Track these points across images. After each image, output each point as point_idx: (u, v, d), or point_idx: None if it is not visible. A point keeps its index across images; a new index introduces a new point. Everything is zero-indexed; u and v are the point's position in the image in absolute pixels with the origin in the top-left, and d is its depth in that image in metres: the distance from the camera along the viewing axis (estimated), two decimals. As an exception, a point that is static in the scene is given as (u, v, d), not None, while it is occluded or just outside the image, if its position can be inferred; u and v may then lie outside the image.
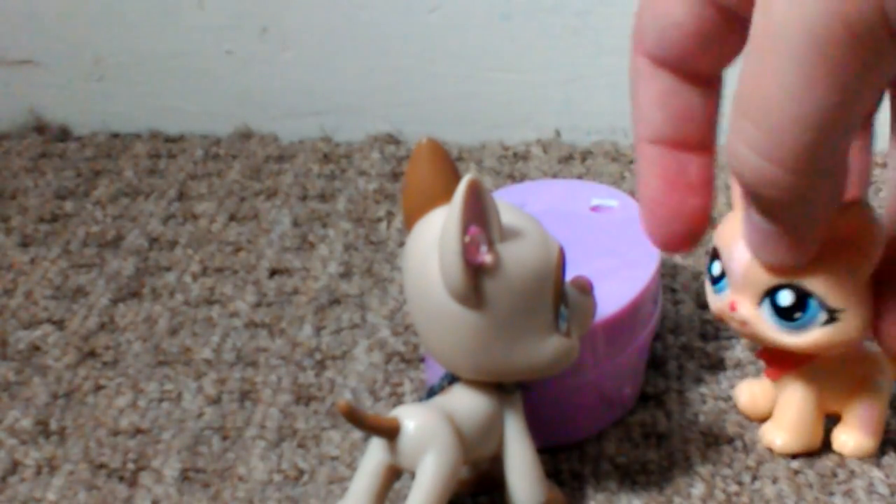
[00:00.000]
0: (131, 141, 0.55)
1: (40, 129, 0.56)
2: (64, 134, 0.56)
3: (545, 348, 0.29)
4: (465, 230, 0.27)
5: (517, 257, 0.29)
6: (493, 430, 0.30)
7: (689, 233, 0.26)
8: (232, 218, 0.48)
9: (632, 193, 0.40)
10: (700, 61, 0.25)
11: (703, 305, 0.41)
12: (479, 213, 0.28)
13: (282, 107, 0.55)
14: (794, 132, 0.21)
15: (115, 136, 0.56)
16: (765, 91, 0.21)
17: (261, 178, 0.51)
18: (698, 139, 0.26)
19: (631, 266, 0.35)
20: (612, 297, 0.34)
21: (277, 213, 0.48)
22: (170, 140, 0.55)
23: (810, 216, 0.24)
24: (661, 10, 0.25)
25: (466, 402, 0.30)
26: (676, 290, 0.42)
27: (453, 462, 0.29)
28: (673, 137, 0.26)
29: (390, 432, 0.29)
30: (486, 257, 0.28)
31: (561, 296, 0.30)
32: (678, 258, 0.44)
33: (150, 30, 0.55)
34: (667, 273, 0.43)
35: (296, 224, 0.48)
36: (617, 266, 0.35)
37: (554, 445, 0.35)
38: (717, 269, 0.31)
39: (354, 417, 0.29)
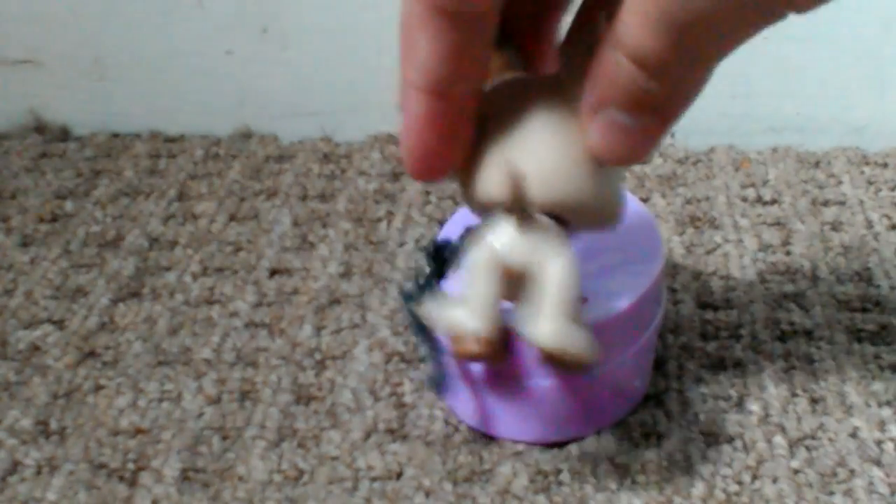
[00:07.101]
0: (131, 141, 0.55)
1: (40, 129, 0.56)
2: (64, 134, 0.56)
3: None
4: None
5: None
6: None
7: (447, 171, 0.30)
8: (232, 218, 0.48)
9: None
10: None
11: (703, 305, 0.41)
12: None
13: (282, 107, 0.55)
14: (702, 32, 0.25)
15: (115, 136, 0.56)
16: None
17: (261, 178, 0.51)
18: (474, 89, 0.28)
19: (637, 260, 0.36)
20: (623, 291, 0.34)
21: (277, 213, 0.48)
22: (170, 140, 0.55)
23: (686, 107, 0.27)
24: None
25: None
26: (676, 290, 0.42)
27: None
28: (453, 90, 0.27)
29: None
30: None
31: None
32: (678, 258, 0.44)
33: (150, 30, 0.55)
34: (667, 273, 0.43)
35: (296, 224, 0.48)
36: (623, 261, 0.36)
37: (569, 438, 0.35)
38: None
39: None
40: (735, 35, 0.25)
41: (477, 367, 0.34)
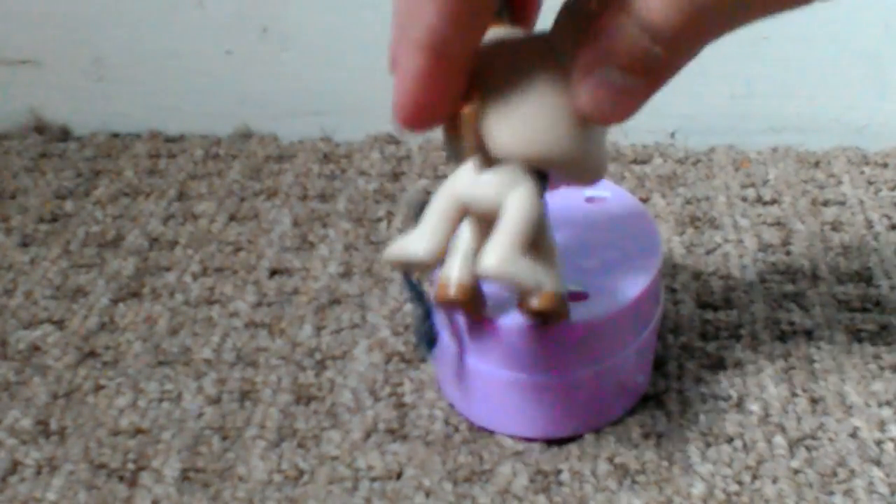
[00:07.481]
0: (131, 141, 0.55)
1: (40, 129, 0.56)
2: (64, 134, 0.56)
3: None
4: None
5: None
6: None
7: (436, 122, 0.30)
8: (232, 218, 0.48)
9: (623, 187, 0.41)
10: None
11: (703, 305, 0.41)
12: None
13: (282, 107, 0.55)
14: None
15: (115, 136, 0.56)
16: None
17: (261, 178, 0.51)
18: (472, 48, 0.29)
19: (636, 255, 0.36)
20: (624, 287, 0.34)
21: (277, 213, 0.48)
22: (170, 140, 0.55)
23: (677, 73, 0.28)
24: None
25: None
26: (676, 290, 0.42)
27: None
28: (453, 49, 0.28)
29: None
30: None
31: None
32: (678, 258, 0.44)
33: (150, 30, 0.55)
34: (667, 273, 0.43)
35: (296, 224, 0.48)
36: (622, 256, 0.36)
37: (575, 434, 0.35)
38: None
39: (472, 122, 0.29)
40: (750, 14, 0.26)
41: (490, 370, 0.35)
